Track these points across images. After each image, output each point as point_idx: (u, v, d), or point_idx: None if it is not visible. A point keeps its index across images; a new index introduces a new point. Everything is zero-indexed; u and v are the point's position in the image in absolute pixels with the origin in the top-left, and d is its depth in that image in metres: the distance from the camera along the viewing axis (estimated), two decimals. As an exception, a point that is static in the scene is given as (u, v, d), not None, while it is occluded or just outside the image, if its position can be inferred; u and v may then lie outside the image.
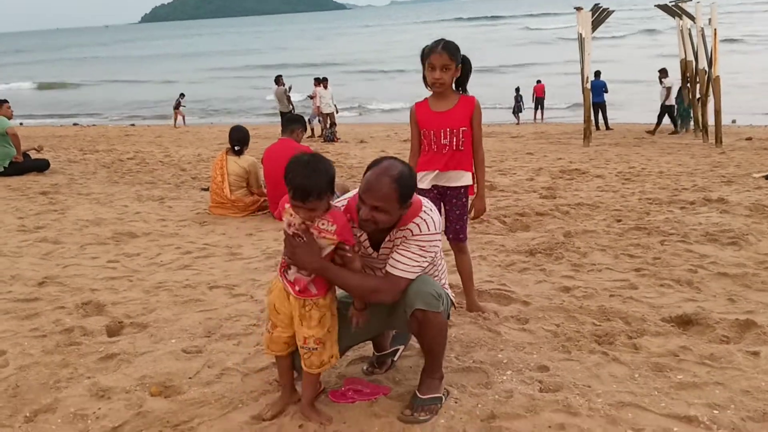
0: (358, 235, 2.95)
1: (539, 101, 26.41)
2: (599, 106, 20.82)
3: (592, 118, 19.10)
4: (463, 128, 3.84)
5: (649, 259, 5.08)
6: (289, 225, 2.79)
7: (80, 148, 15.77)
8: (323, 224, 2.78)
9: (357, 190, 3.03)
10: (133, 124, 28.94)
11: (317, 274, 2.81)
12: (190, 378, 3.36)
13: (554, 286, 4.60)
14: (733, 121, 21.41)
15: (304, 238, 2.76)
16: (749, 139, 16.40)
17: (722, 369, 3.25)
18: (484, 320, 3.97)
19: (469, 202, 4.04)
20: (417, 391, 3.03)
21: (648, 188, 8.60)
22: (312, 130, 20.03)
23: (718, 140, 15.51)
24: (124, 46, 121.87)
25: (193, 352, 3.70)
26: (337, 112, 20.77)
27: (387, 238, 2.94)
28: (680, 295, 4.31)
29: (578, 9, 20.05)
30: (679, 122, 19.70)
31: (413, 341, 3.60)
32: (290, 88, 20.51)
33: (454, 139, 3.84)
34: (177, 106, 26.34)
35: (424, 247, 2.87)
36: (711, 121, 16.73)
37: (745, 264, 4.82)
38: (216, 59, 69.23)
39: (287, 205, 2.81)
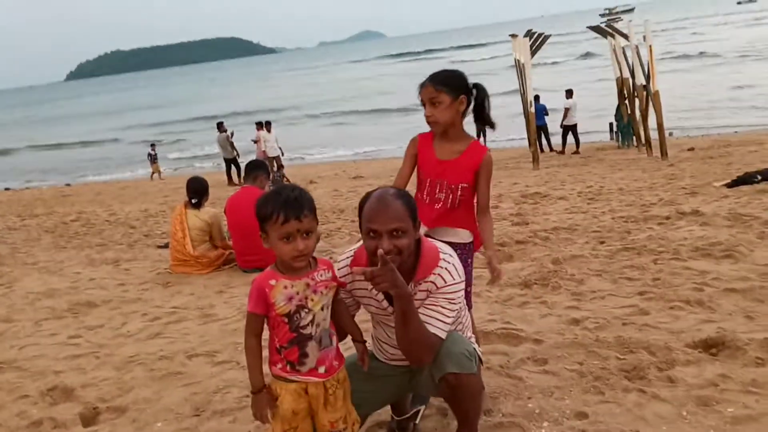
0: (370, 289, 2.62)
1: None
2: (541, 128, 21.09)
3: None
4: (464, 185, 3.23)
5: (649, 281, 4.88)
6: (290, 298, 2.38)
7: (17, 213, 14.93)
8: (321, 275, 2.45)
9: (356, 245, 2.73)
10: (68, 184, 27.85)
11: (405, 298, 2.42)
12: (189, 469, 2.93)
13: (561, 319, 4.33)
14: (671, 134, 21.95)
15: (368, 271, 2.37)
16: (691, 149, 16.73)
17: (771, 396, 3.02)
18: (500, 367, 3.66)
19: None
20: (455, 459, 2.69)
21: (616, 206, 8.51)
22: (258, 175, 19.59)
23: (664, 153, 15.76)
24: (45, 107, 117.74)
25: (185, 436, 3.27)
26: (282, 154, 20.46)
27: None
28: (695, 316, 4.09)
29: (513, 36, 20.43)
30: (620, 139, 20.09)
31: (434, 399, 3.26)
32: (232, 134, 20.15)
33: (450, 197, 3.25)
34: (154, 159, 25.22)
35: (453, 300, 2.56)
36: (652, 135, 17.06)
37: (749, 277, 4.66)
38: (142, 114, 67.00)
39: (272, 282, 2.38)
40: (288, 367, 2.44)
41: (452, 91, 3.18)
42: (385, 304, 2.64)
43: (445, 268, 2.58)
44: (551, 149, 21.11)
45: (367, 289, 2.63)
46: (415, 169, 3.40)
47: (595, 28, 21.50)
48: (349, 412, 2.56)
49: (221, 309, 5.43)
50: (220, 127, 19.92)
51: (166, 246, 8.25)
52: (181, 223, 6.73)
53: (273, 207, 2.33)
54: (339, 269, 2.68)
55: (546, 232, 6.98)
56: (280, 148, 20.20)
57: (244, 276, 6.43)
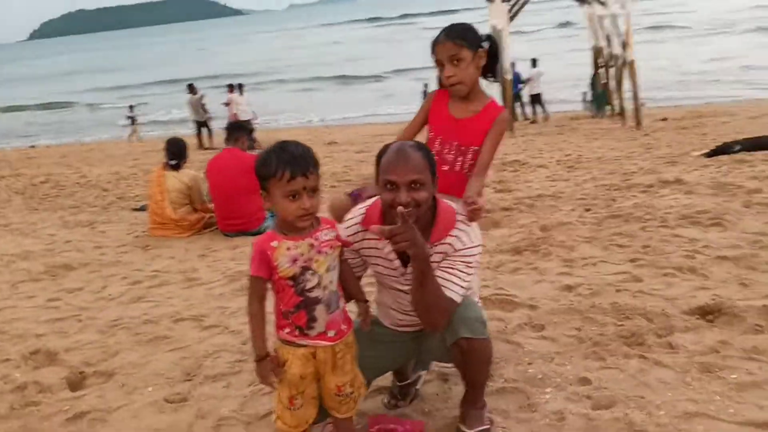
0: (381, 246, 2.52)
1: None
2: (516, 96, 21.06)
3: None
4: (475, 148, 2.92)
5: (640, 248, 4.87)
6: (294, 260, 2.26)
7: (-19, 175, 14.48)
8: (325, 234, 2.34)
9: (368, 202, 2.62)
10: (33, 146, 27.08)
11: (423, 259, 2.33)
12: (184, 435, 2.85)
13: (555, 285, 4.30)
14: (643, 104, 22.08)
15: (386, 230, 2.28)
16: (665, 119, 16.86)
17: (773, 362, 3.02)
18: (498, 332, 3.62)
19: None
20: (462, 425, 2.65)
21: (597, 174, 8.52)
22: (229, 138, 19.24)
23: (638, 123, 15.86)
24: (5, 68, 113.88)
25: (177, 401, 3.19)
26: (255, 118, 20.10)
27: None
28: (689, 283, 4.09)
29: (491, 0, 20.20)
30: (594, 108, 20.15)
31: (434, 365, 3.21)
32: (203, 97, 19.71)
33: (460, 160, 2.96)
34: (133, 121, 24.60)
35: (470, 263, 2.49)
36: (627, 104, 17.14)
37: (740, 245, 4.68)
38: (105, 76, 64.86)
39: (274, 243, 2.26)
40: (297, 332, 2.34)
41: (472, 45, 2.87)
42: (396, 263, 2.53)
43: (464, 231, 2.50)
44: (525, 117, 21.12)
45: (378, 248, 2.53)
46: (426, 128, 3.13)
47: (573, -4, 21.33)
48: (356, 375, 2.49)
49: (205, 273, 5.31)
50: (192, 88, 19.44)
51: (141, 209, 8.06)
52: (160, 186, 6.55)
53: (278, 164, 2.20)
54: (348, 227, 2.58)
55: (531, 199, 6.95)
56: (253, 112, 19.86)
57: (226, 240, 6.30)
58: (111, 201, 9.22)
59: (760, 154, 8.55)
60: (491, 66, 2.98)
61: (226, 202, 6.31)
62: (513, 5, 17.99)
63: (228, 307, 4.45)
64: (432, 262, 2.45)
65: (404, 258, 2.50)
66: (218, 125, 19.96)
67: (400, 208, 2.23)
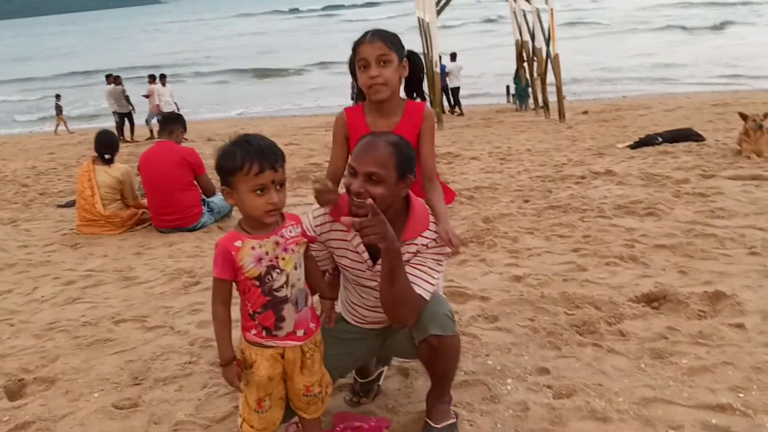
0: (350, 239, 2.47)
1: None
2: (443, 90, 21.29)
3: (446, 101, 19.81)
4: None
5: (581, 238, 5.00)
6: (260, 259, 2.18)
7: None
8: (290, 231, 2.27)
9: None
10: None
11: (394, 253, 2.27)
12: (139, 443, 2.73)
13: (503, 276, 4.35)
14: (564, 98, 22.72)
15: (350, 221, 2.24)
16: (585, 112, 17.37)
17: (720, 347, 3.15)
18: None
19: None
20: (429, 420, 2.64)
21: (530, 166, 8.69)
22: (151, 131, 18.67)
23: (562, 116, 16.28)
24: None
25: (127, 407, 3.04)
26: (178, 110, 19.52)
27: None
28: (631, 272, 4.22)
29: (417, -6, 20.30)
30: (518, 101, 20.60)
31: (394, 360, 3.19)
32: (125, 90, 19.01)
33: None
34: (60, 111, 23.24)
35: (441, 261, 2.47)
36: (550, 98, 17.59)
37: (674, 234, 4.86)
38: (8, 67, 60.94)
39: (238, 243, 2.18)
40: (264, 333, 2.26)
41: (399, 52, 2.69)
42: (365, 256, 2.47)
43: (436, 232, 2.47)
44: (451, 110, 21.38)
45: (346, 240, 2.48)
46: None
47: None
48: (323, 374, 2.44)
49: (142, 271, 5.10)
50: (117, 80, 18.72)
51: (67, 205, 7.69)
52: (90, 180, 6.25)
53: (244, 157, 2.12)
54: (315, 218, 2.51)
55: (469, 191, 7.02)
56: (175, 104, 19.27)
57: (162, 236, 6.08)
58: (33, 197, 8.74)
59: (681, 146, 8.94)
60: (415, 85, 2.86)
61: (161, 197, 6.08)
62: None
63: (171, 307, 4.30)
64: (405, 254, 2.42)
65: (374, 253, 2.45)
66: (138, 118, 19.40)
67: (369, 201, 2.19)
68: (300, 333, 2.29)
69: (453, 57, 20.46)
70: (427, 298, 2.43)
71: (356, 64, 2.69)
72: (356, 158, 2.33)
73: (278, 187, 2.18)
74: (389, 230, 2.22)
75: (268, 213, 2.17)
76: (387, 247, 2.25)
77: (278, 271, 2.23)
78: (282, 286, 2.24)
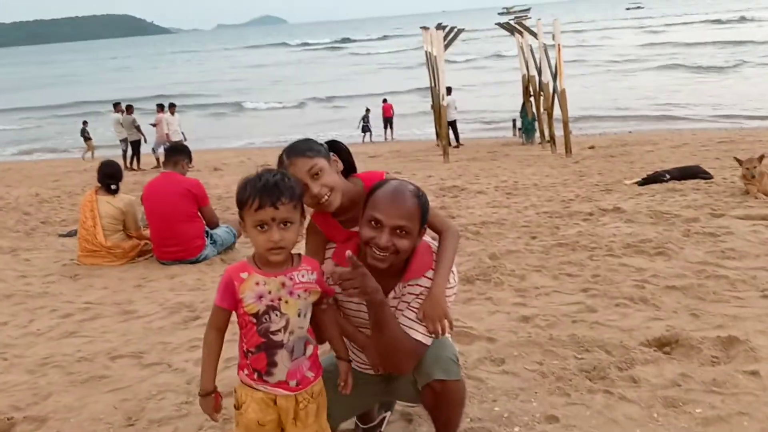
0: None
1: (388, 120, 26.72)
2: (450, 123, 21.37)
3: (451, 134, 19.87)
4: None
5: (590, 277, 4.89)
6: (260, 296, 2.11)
7: None
8: (302, 276, 2.20)
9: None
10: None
11: (377, 306, 2.21)
12: (134, 490, 2.61)
13: (510, 316, 4.25)
14: (570, 132, 22.75)
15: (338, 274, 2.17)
16: (592, 147, 17.35)
17: (734, 395, 3.03)
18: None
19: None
20: (433, 470, 2.52)
21: (536, 201, 8.62)
22: (157, 159, 18.76)
23: (568, 150, 16.27)
24: None
25: (120, 449, 2.93)
26: (185, 140, 19.61)
27: (391, 295, 2.40)
28: (642, 314, 4.11)
29: (424, 29, 20.50)
30: (524, 135, 20.63)
31: (397, 404, 3.08)
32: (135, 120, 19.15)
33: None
34: (88, 136, 23.36)
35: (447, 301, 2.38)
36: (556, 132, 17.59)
37: (685, 275, 4.75)
38: (23, 95, 60.98)
39: (244, 275, 2.13)
40: (255, 375, 2.18)
41: (323, 154, 2.43)
42: (363, 307, 2.38)
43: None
44: (458, 143, 21.42)
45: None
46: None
47: (504, 25, 21.90)
48: (321, 429, 2.31)
49: (142, 305, 5.01)
50: (129, 109, 18.91)
51: (69, 234, 7.64)
52: (92, 210, 6.19)
53: (249, 192, 2.10)
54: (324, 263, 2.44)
55: (475, 226, 6.93)
56: (182, 133, 19.38)
57: (163, 268, 6.00)
58: (34, 226, 8.69)
59: (689, 183, 8.86)
60: (350, 170, 2.60)
61: (163, 229, 6.02)
62: (447, 34, 18.26)
63: (169, 343, 4.20)
64: (402, 301, 2.35)
65: None
66: (145, 147, 19.48)
67: (348, 252, 2.12)
68: (292, 383, 2.19)
69: (448, 91, 20.50)
70: (428, 343, 2.34)
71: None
72: (383, 210, 2.24)
73: (282, 225, 2.11)
74: (370, 283, 2.15)
75: (269, 251, 2.12)
76: (368, 300, 2.19)
77: (278, 313, 2.15)
78: (279, 330, 2.16)
